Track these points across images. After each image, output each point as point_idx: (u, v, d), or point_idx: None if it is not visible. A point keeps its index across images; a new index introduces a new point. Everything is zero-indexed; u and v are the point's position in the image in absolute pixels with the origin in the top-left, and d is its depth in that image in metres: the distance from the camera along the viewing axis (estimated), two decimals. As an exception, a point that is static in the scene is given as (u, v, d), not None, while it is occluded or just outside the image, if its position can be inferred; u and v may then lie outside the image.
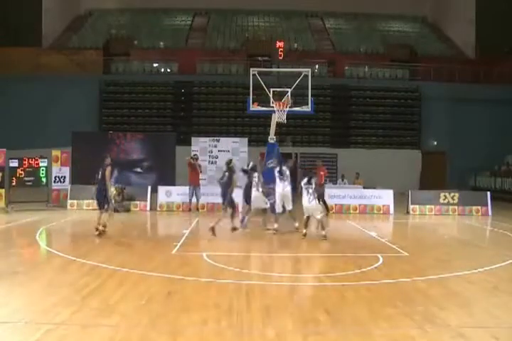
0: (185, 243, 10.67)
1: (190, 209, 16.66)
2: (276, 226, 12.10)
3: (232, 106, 27.90)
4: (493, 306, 6.34)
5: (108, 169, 11.04)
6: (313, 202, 11.41)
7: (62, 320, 5.57)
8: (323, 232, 11.30)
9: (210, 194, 16.98)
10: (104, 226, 11.10)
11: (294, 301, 6.45)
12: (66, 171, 17.78)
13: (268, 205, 12.63)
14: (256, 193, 12.57)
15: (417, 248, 10.68)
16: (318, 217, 11.44)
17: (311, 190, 11.40)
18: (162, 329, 5.39)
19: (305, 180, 11.55)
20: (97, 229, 11.08)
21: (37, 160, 17.28)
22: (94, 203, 12.63)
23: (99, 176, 11.08)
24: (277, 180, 12.16)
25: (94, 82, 27.93)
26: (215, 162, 18.95)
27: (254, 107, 16.63)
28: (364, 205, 16.82)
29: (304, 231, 11.53)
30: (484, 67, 28.64)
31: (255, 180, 12.73)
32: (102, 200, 11.14)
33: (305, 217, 11.55)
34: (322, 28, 35.93)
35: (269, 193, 12.92)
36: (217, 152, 19.06)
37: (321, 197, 15.29)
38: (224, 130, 27.13)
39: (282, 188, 12.06)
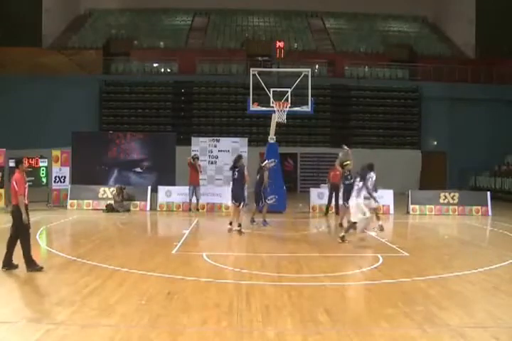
0: (185, 243, 10.69)
1: (190, 209, 16.67)
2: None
3: (232, 106, 27.90)
4: (493, 306, 6.34)
5: (245, 169, 12.46)
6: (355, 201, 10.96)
7: (62, 320, 5.57)
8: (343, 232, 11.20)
9: (210, 194, 17.04)
10: (240, 225, 12.10)
11: (294, 301, 6.44)
12: (66, 171, 17.77)
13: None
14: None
15: (417, 248, 10.67)
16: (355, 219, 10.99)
17: (356, 187, 11.15)
18: (162, 329, 5.40)
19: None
20: (230, 224, 12.24)
21: (37, 160, 17.30)
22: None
23: (236, 176, 12.26)
24: (356, 188, 11.25)
25: (94, 82, 27.92)
26: (215, 162, 18.94)
27: (254, 107, 16.65)
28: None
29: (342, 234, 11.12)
30: (484, 67, 28.62)
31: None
32: (240, 197, 12.25)
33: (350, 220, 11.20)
34: (322, 28, 35.90)
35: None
36: (217, 152, 19.04)
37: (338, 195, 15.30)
38: (224, 130, 27.11)
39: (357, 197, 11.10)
